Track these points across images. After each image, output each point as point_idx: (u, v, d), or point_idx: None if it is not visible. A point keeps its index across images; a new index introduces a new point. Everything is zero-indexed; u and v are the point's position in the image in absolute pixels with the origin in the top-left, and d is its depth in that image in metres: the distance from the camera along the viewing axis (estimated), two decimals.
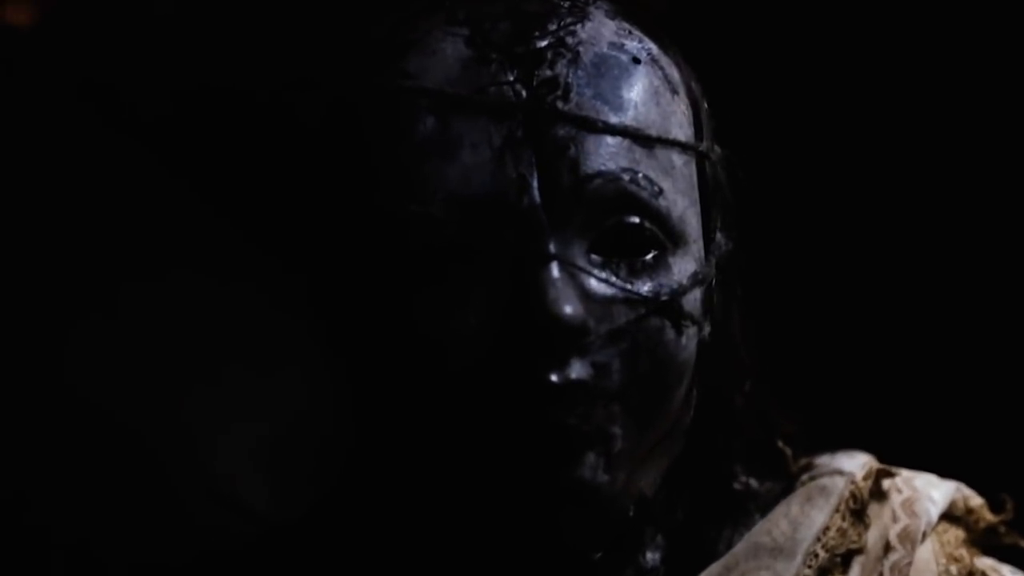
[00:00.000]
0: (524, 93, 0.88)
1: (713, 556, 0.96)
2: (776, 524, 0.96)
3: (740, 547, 0.96)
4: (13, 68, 1.27)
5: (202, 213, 1.12)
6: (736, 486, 0.98)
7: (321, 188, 0.92)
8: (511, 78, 0.88)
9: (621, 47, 0.91)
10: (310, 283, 0.94)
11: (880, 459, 1.00)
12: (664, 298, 0.89)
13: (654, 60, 0.92)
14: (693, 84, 0.95)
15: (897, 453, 1.02)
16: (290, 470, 1.08)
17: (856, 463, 0.99)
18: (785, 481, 1.00)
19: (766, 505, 0.98)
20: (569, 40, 0.90)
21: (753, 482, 0.99)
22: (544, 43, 0.89)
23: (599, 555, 0.90)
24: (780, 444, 1.01)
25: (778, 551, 0.95)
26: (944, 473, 1.02)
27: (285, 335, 1.07)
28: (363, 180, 0.89)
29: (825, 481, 0.98)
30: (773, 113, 1.46)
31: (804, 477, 0.99)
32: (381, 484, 0.94)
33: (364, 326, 0.90)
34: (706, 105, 0.96)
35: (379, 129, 0.89)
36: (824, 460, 1.00)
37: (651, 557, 0.95)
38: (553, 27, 0.90)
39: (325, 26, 1.10)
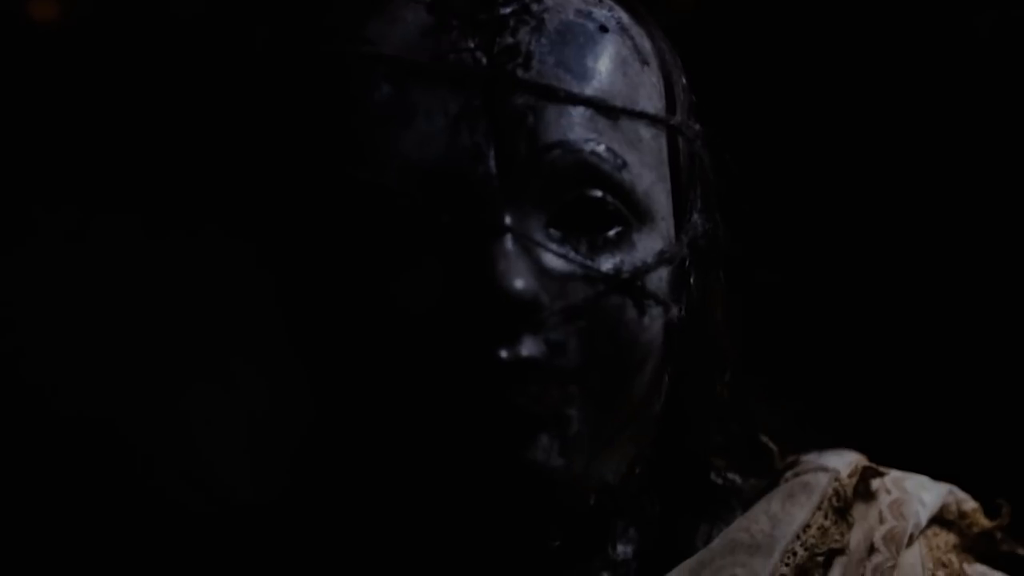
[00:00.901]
0: (484, 61, 0.85)
1: (689, 551, 0.92)
2: (755, 520, 0.92)
3: (717, 543, 0.92)
4: (36, 64, 1.27)
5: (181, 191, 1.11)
6: (715, 480, 0.94)
7: (275, 154, 0.90)
8: (471, 45, 0.85)
9: (588, 15, 0.88)
10: (272, 257, 0.92)
11: (873, 459, 0.96)
12: (625, 276, 0.85)
13: (623, 29, 0.89)
14: (667, 56, 0.91)
15: (891, 453, 0.98)
16: (268, 454, 1.06)
17: (843, 461, 0.95)
18: (771, 478, 0.95)
19: (749, 502, 0.94)
20: (534, 7, 0.87)
21: (735, 477, 0.95)
22: (508, 10, 0.87)
23: (558, 544, 0.87)
24: (765, 440, 0.97)
25: (755, 548, 0.91)
26: (939, 475, 0.97)
27: (268, 318, 1.06)
28: (317, 148, 0.87)
29: (808, 478, 0.94)
30: (796, 109, 1.43)
31: (788, 474, 0.95)
32: (346, 468, 0.92)
33: (320, 301, 0.88)
34: (684, 80, 0.92)
35: (334, 96, 0.87)
36: (811, 457, 0.96)
37: (622, 550, 0.91)
38: None
39: None
